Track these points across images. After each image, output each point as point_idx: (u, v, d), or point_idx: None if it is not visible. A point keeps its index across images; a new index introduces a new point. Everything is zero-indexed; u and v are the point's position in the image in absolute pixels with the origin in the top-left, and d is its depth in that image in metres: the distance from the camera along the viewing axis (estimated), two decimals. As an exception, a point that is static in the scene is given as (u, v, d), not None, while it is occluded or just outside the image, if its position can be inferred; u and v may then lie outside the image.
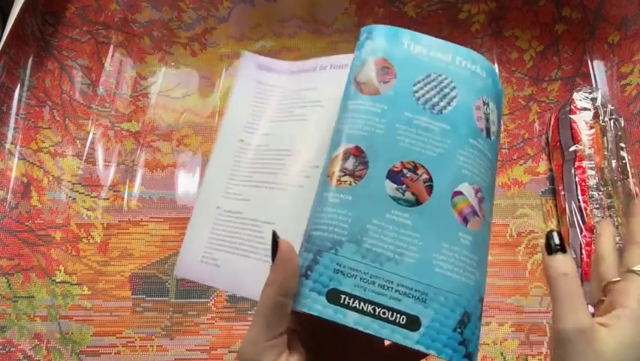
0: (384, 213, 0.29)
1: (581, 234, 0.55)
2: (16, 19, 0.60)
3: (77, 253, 0.59)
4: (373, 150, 0.30)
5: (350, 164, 0.30)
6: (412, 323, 0.27)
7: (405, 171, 0.29)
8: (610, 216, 0.55)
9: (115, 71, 0.68)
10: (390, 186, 0.29)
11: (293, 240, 0.30)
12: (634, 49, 0.64)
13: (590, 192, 0.56)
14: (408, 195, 0.29)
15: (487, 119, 0.32)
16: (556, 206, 0.60)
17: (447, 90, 0.32)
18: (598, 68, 0.66)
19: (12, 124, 0.63)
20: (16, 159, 0.62)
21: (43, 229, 0.60)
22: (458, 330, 0.28)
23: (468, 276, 0.29)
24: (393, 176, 0.29)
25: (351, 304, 0.27)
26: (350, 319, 0.27)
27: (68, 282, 0.58)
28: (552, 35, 0.68)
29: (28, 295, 0.57)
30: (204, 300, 0.57)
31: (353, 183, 0.29)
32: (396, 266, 0.28)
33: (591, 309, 0.52)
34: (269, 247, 0.29)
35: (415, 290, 0.28)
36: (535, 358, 0.55)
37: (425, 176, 0.30)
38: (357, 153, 0.30)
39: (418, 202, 0.29)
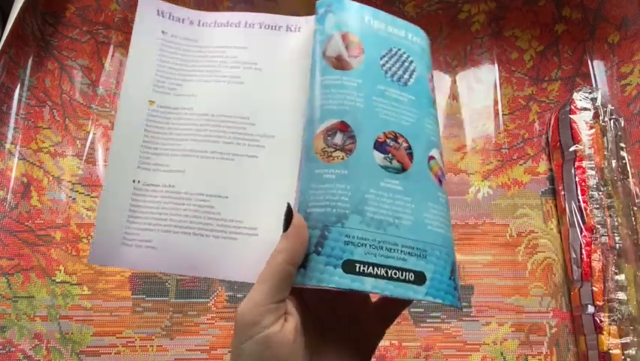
0: (378, 182, 0.31)
1: (581, 234, 0.55)
2: (16, 19, 0.60)
3: (77, 253, 0.59)
4: (358, 123, 0.31)
5: (339, 139, 0.31)
6: (419, 278, 0.30)
7: (388, 140, 0.32)
8: (610, 216, 0.55)
9: (115, 71, 0.68)
10: (378, 156, 0.31)
11: (253, 213, 0.32)
12: (634, 49, 0.64)
13: (590, 192, 0.56)
14: (395, 163, 0.31)
15: (433, 90, 0.36)
16: (556, 206, 0.60)
17: (407, 64, 0.34)
18: (598, 68, 0.66)
19: (12, 124, 0.63)
20: (16, 159, 0.62)
21: (43, 229, 0.60)
22: (452, 278, 0.31)
23: (448, 229, 0.32)
24: (379, 146, 0.31)
25: (366, 270, 0.29)
26: (368, 285, 0.29)
27: (68, 282, 0.58)
28: (552, 35, 0.68)
29: (28, 295, 0.57)
30: (204, 300, 0.57)
31: (345, 158, 0.31)
32: (397, 229, 0.30)
33: (591, 309, 0.53)
34: (227, 222, 0.32)
35: (417, 248, 0.30)
36: (535, 358, 0.55)
37: (405, 144, 0.32)
38: (344, 128, 0.31)
39: (403, 169, 0.32)
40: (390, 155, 0.31)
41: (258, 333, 0.26)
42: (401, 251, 0.30)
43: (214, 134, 0.34)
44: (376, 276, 0.29)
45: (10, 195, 0.60)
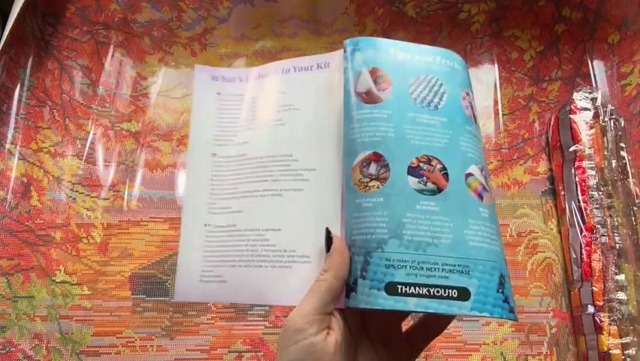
0: (414, 206, 0.32)
1: (581, 234, 0.55)
2: (16, 19, 0.60)
3: (77, 253, 0.59)
4: (390, 152, 0.33)
5: (373, 169, 0.33)
6: (463, 294, 0.31)
7: (421, 165, 0.33)
8: (610, 216, 0.55)
9: (115, 71, 0.68)
10: (412, 181, 0.33)
11: (303, 242, 0.34)
12: (634, 49, 0.64)
13: (590, 192, 0.56)
14: (430, 185, 0.33)
15: (472, 107, 0.36)
16: (556, 206, 0.60)
17: (436, 88, 0.35)
18: (598, 68, 0.66)
19: (12, 124, 0.63)
20: (16, 159, 0.62)
21: (43, 229, 0.60)
22: (500, 290, 0.31)
23: (494, 243, 0.33)
24: (413, 171, 0.33)
25: (408, 291, 0.30)
26: (411, 304, 0.30)
27: (68, 282, 0.58)
28: (552, 35, 0.68)
29: (28, 295, 0.57)
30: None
31: (380, 186, 0.33)
32: (436, 249, 0.31)
33: (591, 309, 0.53)
34: (282, 252, 0.35)
35: (458, 265, 0.31)
36: (535, 358, 0.55)
37: (439, 165, 0.33)
38: (377, 158, 0.33)
39: (439, 190, 0.33)
40: (424, 178, 0.33)
41: (303, 339, 0.29)
42: (442, 269, 0.31)
43: (263, 174, 0.38)
44: (419, 295, 0.30)
45: (10, 195, 0.60)
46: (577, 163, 0.57)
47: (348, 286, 0.32)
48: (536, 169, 0.63)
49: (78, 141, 0.64)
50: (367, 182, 0.33)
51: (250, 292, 0.36)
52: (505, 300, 0.32)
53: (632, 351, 0.50)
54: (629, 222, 0.55)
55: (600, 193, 0.55)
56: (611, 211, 0.55)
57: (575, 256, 0.55)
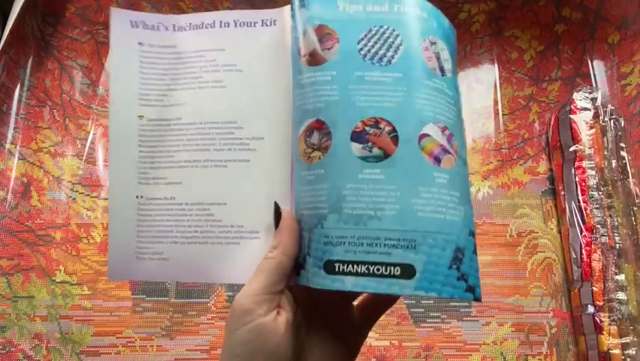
0: (356, 175, 0.29)
1: (581, 234, 0.55)
2: (16, 19, 0.60)
3: (77, 253, 0.59)
4: (332, 118, 0.30)
5: (315, 138, 0.30)
6: (407, 271, 0.28)
7: (367, 128, 0.30)
8: (610, 216, 0.55)
9: (115, 71, 0.68)
10: (356, 148, 0.29)
11: (252, 216, 0.32)
12: (634, 49, 0.64)
13: (590, 192, 0.55)
14: (375, 151, 0.29)
15: (439, 58, 0.32)
16: (556, 206, 0.60)
17: (391, 40, 0.31)
18: (598, 68, 0.66)
19: (12, 124, 0.63)
20: (16, 159, 0.62)
21: (43, 229, 0.60)
22: (454, 266, 0.28)
23: (452, 213, 0.29)
24: (357, 136, 0.29)
25: (345, 269, 0.28)
26: (348, 283, 0.28)
27: (68, 282, 0.58)
28: (552, 35, 0.68)
29: (28, 295, 0.57)
30: (204, 300, 0.57)
31: (322, 157, 0.30)
32: (379, 222, 0.28)
33: (591, 309, 0.53)
34: (228, 228, 0.33)
35: (403, 240, 0.28)
36: (535, 358, 0.55)
37: (388, 127, 0.29)
38: (319, 126, 0.30)
39: (386, 155, 0.29)
40: (369, 143, 0.29)
41: (251, 321, 0.28)
42: (384, 245, 0.28)
43: (204, 142, 0.34)
44: (357, 274, 0.28)
45: (10, 195, 0.60)
46: (577, 163, 0.57)
47: (298, 264, 0.30)
48: (536, 169, 0.63)
49: (78, 141, 0.64)
50: (310, 152, 0.30)
51: (195, 270, 0.34)
52: (461, 277, 0.28)
53: (632, 351, 0.50)
54: (629, 222, 0.55)
55: (600, 193, 0.55)
56: (611, 211, 0.55)
57: (575, 256, 0.55)
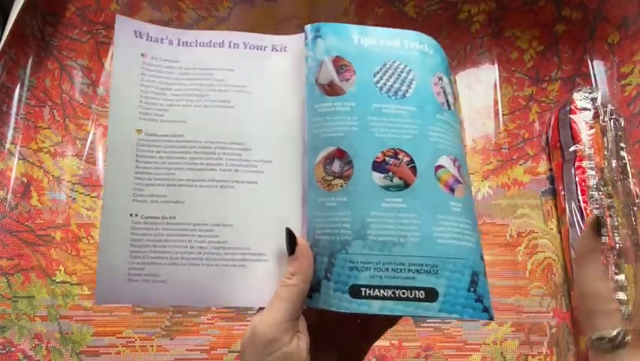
0: (379, 204, 0.30)
1: (581, 234, 0.55)
2: (16, 19, 0.60)
3: (77, 253, 0.59)
4: (353, 147, 0.31)
5: (336, 167, 0.32)
6: (430, 295, 0.29)
7: (387, 159, 0.31)
8: (610, 216, 0.55)
9: (115, 71, 0.68)
10: (378, 177, 0.31)
11: (259, 239, 0.32)
12: (634, 49, 0.64)
13: (590, 192, 0.56)
14: (396, 181, 0.31)
15: (445, 93, 0.34)
16: (556, 206, 0.60)
17: (404, 74, 0.33)
18: (598, 68, 0.66)
19: (12, 124, 0.63)
20: (16, 159, 0.62)
21: (43, 229, 0.60)
22: (472, 290, 0.30)
23: (467, 239, 0.31)
24: (378, 166, 0.31)
25: (372, 294, 0.29)
26: (375, 307, 0.29)
27: (68, 282, 0.58)
28: (552, 35, 0.68)
29: (28, 295, 0.57)
30: (204, 300, 0.57)
31: (344, 185, 0.31)
32: (402, 248, 0.30)
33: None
34: (234, 250, 0.32)
35: (425, 265, 0.30)
36: (535, 358, 0.55)
37: (406, 158, 0.31)
38: (340, 155, 0.32)
39: (406, 185, 0.31)
40: (390, 173, 0.31)
41: (278, 350, 0.28)
42: (409, 270, 0.30)
43: (210, 161, 0.34)
44: (383, 298, 0.29)
45: (10, 195, 0.60)
46: (577, 163, 0.57)
47: (311, 287, 0.31)
48: (536, 169, 0.63)
49: (78, 141, 0.64)
50: (331, 180, 0.31)
51: (196, 293, 0.32)
52: (478, 299, 0.30)
53: (632, 351, 0.50)
54: (629, 222, 0.55)
55: (600, 193, 0.55)
56: (611, 211, 0.55)
57: (575, 256, 0.55)
